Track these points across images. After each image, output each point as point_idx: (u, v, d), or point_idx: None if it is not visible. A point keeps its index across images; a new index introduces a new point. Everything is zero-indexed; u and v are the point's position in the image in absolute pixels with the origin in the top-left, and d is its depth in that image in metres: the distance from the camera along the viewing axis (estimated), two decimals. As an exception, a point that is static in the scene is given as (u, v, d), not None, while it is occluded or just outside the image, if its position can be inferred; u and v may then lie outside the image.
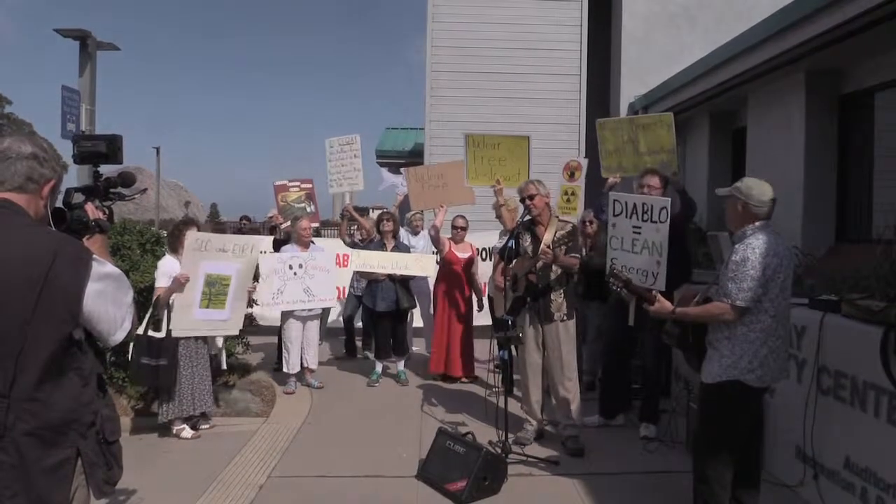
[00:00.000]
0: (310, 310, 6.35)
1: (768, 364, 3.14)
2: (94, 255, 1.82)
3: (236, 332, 5.27)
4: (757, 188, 3.22)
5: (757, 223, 3.20)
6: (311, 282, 6.23)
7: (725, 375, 3.17)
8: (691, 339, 3.42)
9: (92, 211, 2.05)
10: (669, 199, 4.31)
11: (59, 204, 2.03)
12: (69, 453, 1.77)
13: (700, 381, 3.39)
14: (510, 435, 4.51)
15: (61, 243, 1.76)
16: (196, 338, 4.98)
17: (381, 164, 16.65)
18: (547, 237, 4.65)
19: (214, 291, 4.86)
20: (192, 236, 4.75)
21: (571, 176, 6.41)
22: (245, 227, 10.54)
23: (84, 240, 1.98)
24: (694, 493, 3.37)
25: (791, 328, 3.93)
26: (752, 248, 3.11)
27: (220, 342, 5.34)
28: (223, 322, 5.02)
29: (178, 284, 4.69)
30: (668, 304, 3.46)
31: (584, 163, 6.26)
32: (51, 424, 1.72)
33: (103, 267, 1.83)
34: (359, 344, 8.03)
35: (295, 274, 6.20)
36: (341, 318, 7.97)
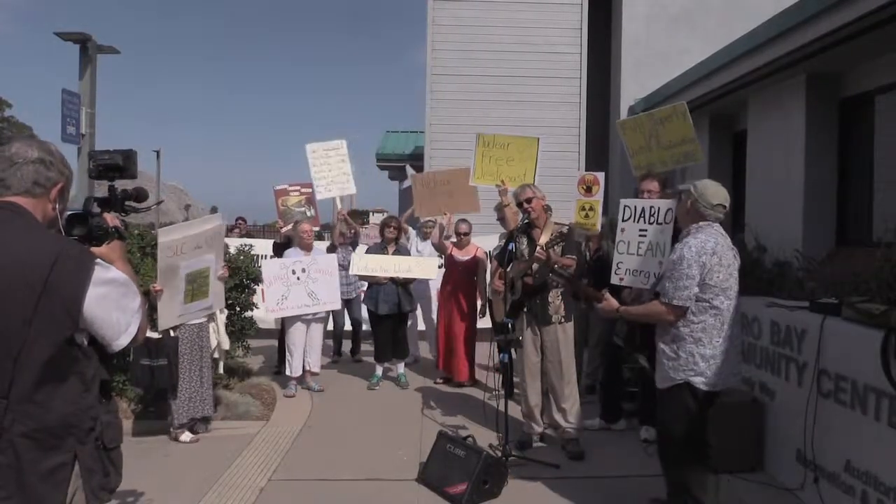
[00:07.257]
0: (314, 313, 6.35)
1: (715, 366, 3.06)
2: (98, 260, 1.82)
3: (220, 307, 5.19)
4: (710, 190, 3.19)
5: (701, 223, 3.16)
6: (314, 286, 6.23)
7: (674, 378, 3.13)
8: (638, 340, 3.37)
9: (111, 220, 2.12)
10: (675, 200, 4.32)
11: (77, 209, 2.09)
12: (67, 458, 1.76)
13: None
14: (510, 438, 4.51)
15: (63, 247, 1.76)
16: (199, 338, 4.99)
17: (382, 168, 16.65)
18: (542, 239, 4.65)
19: (197, 285, 4.78)
20: (164, 245, 4.45)
21: (588, 190, 6.10)
22: (241, 226, 10.53)
23: (104, 245, 2.03)
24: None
25: (791, 331, 3.95)
26: (689, 247, 3.07)
27: (225, 343, 5.33)
28: (207, 309, 4.96)
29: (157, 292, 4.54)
30: (614, 303, 3.40)
31: (601, 177, 5.90)
32: (48, 427, 1.71)
33: (107, 272, 1.82)
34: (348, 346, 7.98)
35: (298, 279, 6.19)
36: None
